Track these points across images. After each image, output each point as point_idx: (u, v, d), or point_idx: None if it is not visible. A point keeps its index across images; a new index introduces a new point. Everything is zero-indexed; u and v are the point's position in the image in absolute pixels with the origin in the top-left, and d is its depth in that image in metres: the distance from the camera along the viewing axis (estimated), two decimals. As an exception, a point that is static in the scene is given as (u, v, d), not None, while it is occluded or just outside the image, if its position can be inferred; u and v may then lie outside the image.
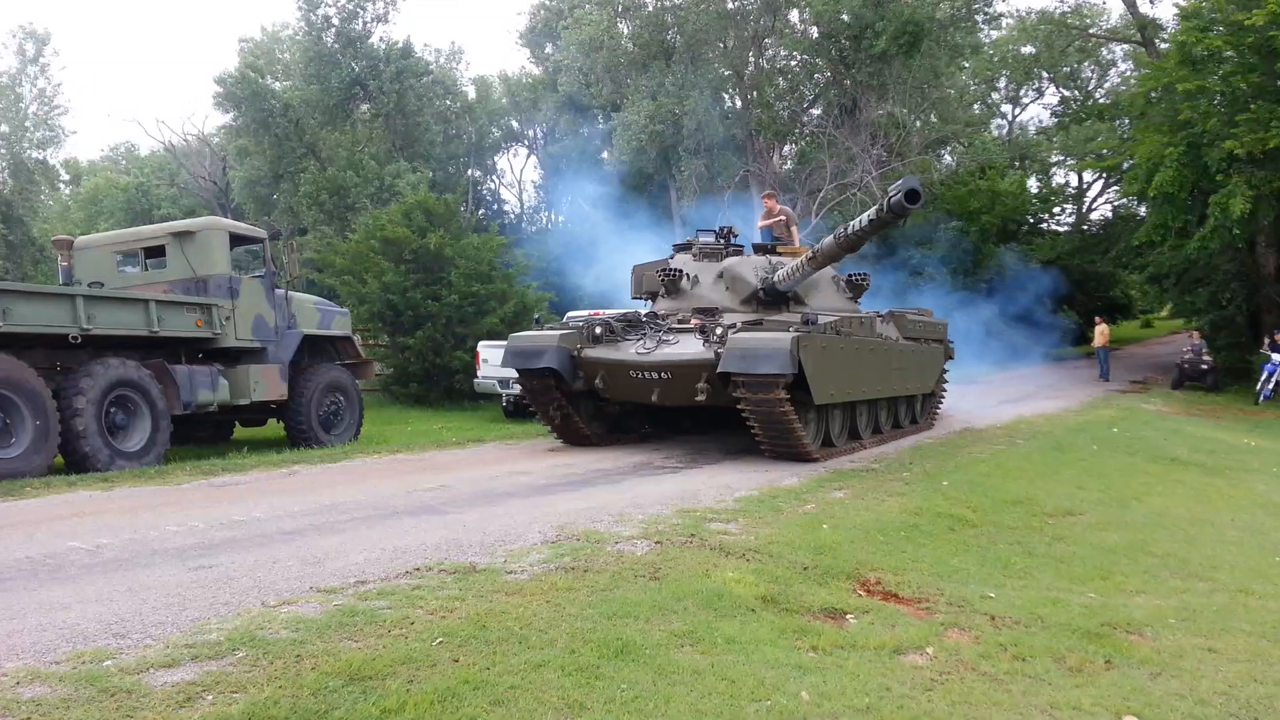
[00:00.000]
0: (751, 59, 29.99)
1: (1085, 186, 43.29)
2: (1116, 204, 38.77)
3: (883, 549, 6.39)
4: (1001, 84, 40.90)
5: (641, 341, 10.38)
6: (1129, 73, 37.36)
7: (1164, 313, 46.97)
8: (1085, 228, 39.90)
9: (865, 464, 10.45)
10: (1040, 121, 42.11)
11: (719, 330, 9.75)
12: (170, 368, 10.71)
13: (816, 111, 30.96)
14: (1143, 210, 29.53)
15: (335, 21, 31.08)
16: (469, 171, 36.53)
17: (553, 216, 39.05)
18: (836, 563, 5.84)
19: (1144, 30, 29.07)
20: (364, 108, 32.42)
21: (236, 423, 13.78)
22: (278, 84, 33.69)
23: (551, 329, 10.91)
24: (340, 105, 31.15)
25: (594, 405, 11.58)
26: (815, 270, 10.70)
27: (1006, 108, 43.42)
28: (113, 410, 9.98)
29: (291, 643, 3.81)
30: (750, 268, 11.68)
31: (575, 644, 4.00)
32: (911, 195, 8.30)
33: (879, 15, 25.53)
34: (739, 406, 9.46)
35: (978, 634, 4.77)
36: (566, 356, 10.43)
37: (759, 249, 12.35)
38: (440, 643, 3.91)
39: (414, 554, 5.48)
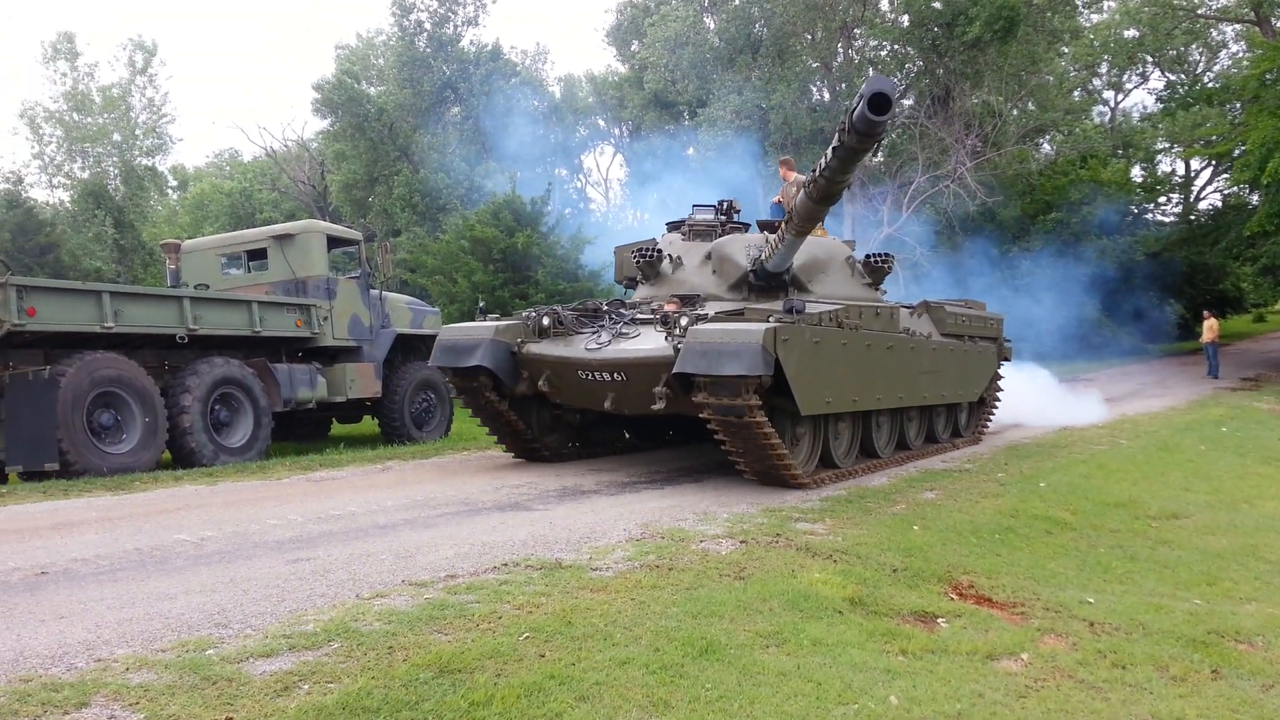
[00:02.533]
0: (840, 50, 29.53)
1: (1193, 175, 41.40)
2: (1226, 192, 36.98)
3: (976, 552, 6.23)
4: (1103, 69, 39.37)
5: (596, 335, 8.62)
6: (1241, 54, 35.56)
7: (1278, 306, 44.60)
8: (1193, 218, 38.13)
9: (958, 464, 10.21)
10: (1145, 108, 40.46)
11: (684, 321, 7.89)
12: (271, 366, 11.10)
13: (908, 102, 30.31)
14: (1255, 199, 28.08)
15: (427, 26, 31.76)
16: (556, 171, 36.88)
17: (639, 214, 39.17)
18: (927, 565, 5.72)
19: (1258, 9, 27.67)
20: (454, 110, 33.05)
21: (333, 419, 14.21)
22: (373, 89, 34.59)
23: (494, 320, 9.26)
24: (432, 108, 31.82)
25: (552, 413, 9.90)
26: (798, 237, 8.46)
27: (1108, 94, 41.82)
28: (217, 407, 10.39)
29: (384, 635, 3.91)
30: (742, 246, 9.63)
31: (660, 642, 4.00)
32: (878, 102, 6.06)
33: (972, 1, 24.87)
34: (703, 416, 7.64)
35: (1075, 640, 4.61)
36: (505, 353, 8.79)
37: (765, 226, 10.18)
38: (527, 637, 3.96)
39: (502, 549, 5.56)
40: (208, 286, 11.70)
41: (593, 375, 8.37)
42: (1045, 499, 8.16)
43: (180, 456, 10.00)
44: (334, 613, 4.22)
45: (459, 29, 32.83)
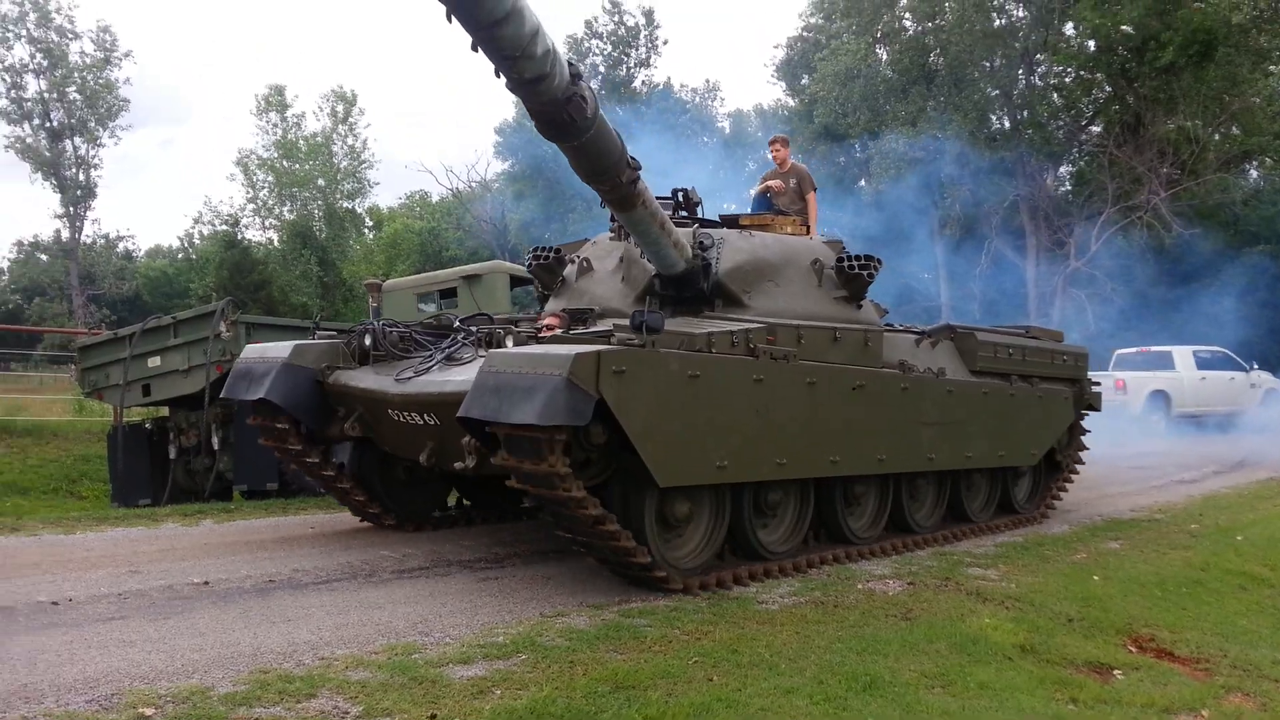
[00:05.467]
0: (1021, 77, 28.68)
1: None
2: None
3: (1160, 604, 6.02)
4: (1319, 87, 36.35)
5: (425, 361, 6.26)
6: None
7: None
8: None
9: (1147, 513, 9.75)
10: (1370, 127, 36.88)
11: (509, 342, 5.95)
12: (458, 396, 11.85)
13: (1096, 129, 29.04)
14: None
15: (601, 70, 33.05)
16: (725, 205, 37.34)
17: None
18: (1106, 616, 5.59)
19: None
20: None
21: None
22: (551, 130, 36.23)
23: (323, 338, 6.89)
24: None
25: (405, 464, 7.17)
26: (650, 217, 6.06)
27: (1326, 114, 38.49)
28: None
29: (565, 650, 4.25)
30: None
31: (824, 675, 4.15)
32: None
33: (1165, 24, 23.64)
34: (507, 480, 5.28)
35: (1265, 700, 4.42)
36: (305, 384, 6.49)
37: (728, 222, 7.52)
38: (696, 662, 4.20)
39: (672, 578, 5.83)
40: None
41: (402, 416, 6.09)
42: (1241, 553, 7.72)
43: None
44: (521, 627, 4.61)
45: (631, 71, 34.01)
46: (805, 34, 36.30)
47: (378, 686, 3.73)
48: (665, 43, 38.25)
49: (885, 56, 30.70)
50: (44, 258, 41.43)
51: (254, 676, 3.81)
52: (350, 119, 38.75)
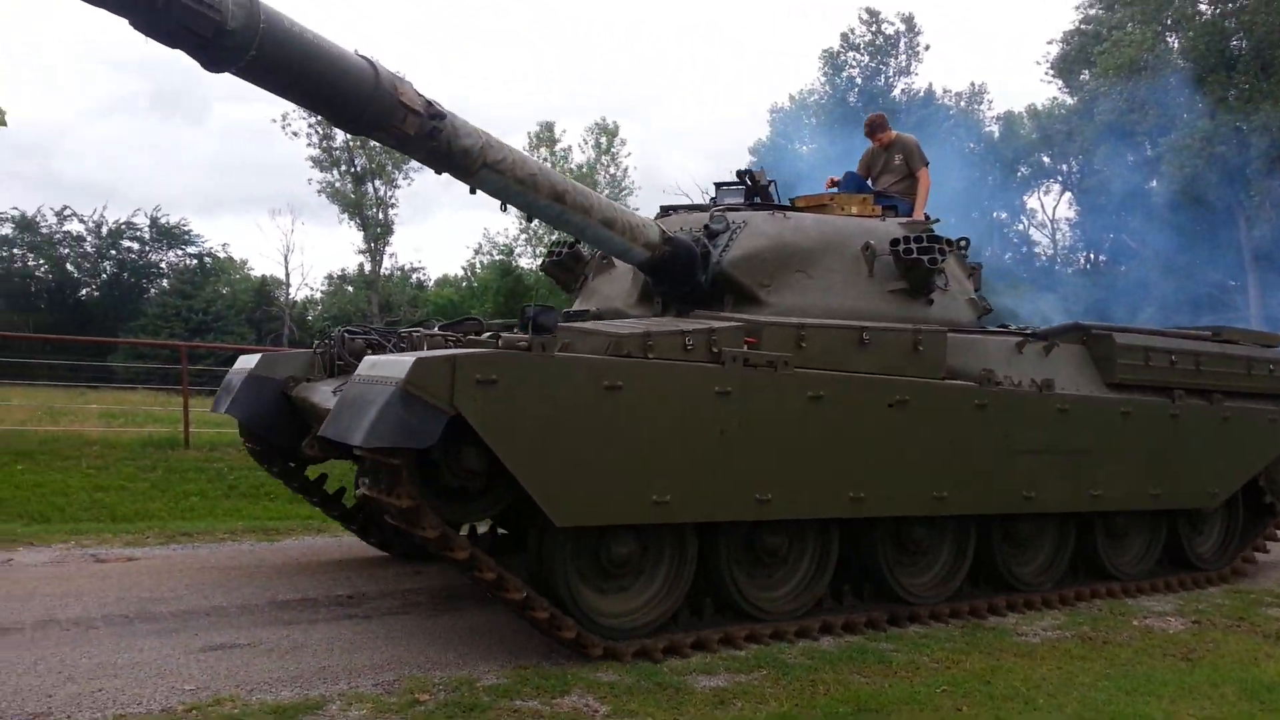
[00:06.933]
0: (1345, 54, 25.19)
1: None
2: None
3: None
4: None
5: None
6: None
7: None
8: None
9: None
10: None
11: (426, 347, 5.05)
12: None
13: None
14: None
15: (859, 81, 32.53)
16: (994, 214, 35.47)
17: (1092, 256, 36.26)
18: None
19: None
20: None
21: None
22: (804, 148, 36.10)
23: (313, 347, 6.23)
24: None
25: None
26: (520, 185, 4.78)
27: None
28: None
29: (806, 669, 4.28)
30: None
31: (1086, 713, 3.91)
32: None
33: None
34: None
35: None
36: (270, 397, 5.79)
37: (801, 205, 6.43)
38: (944, 690, 4.08)
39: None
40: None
41: None
42: None
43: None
44: (764, 644, 4.68)
45: (890, 80, 33.18)
46: (1083, 27, 33.83)
47: (625, 689, 3.93)
48: (927, 48, 36.87)
49: (1176, 45, 28.05)
50: (350, 289, 46.46)
51: (515, 671, 4.13)
52: (612, 149, 40.60)
